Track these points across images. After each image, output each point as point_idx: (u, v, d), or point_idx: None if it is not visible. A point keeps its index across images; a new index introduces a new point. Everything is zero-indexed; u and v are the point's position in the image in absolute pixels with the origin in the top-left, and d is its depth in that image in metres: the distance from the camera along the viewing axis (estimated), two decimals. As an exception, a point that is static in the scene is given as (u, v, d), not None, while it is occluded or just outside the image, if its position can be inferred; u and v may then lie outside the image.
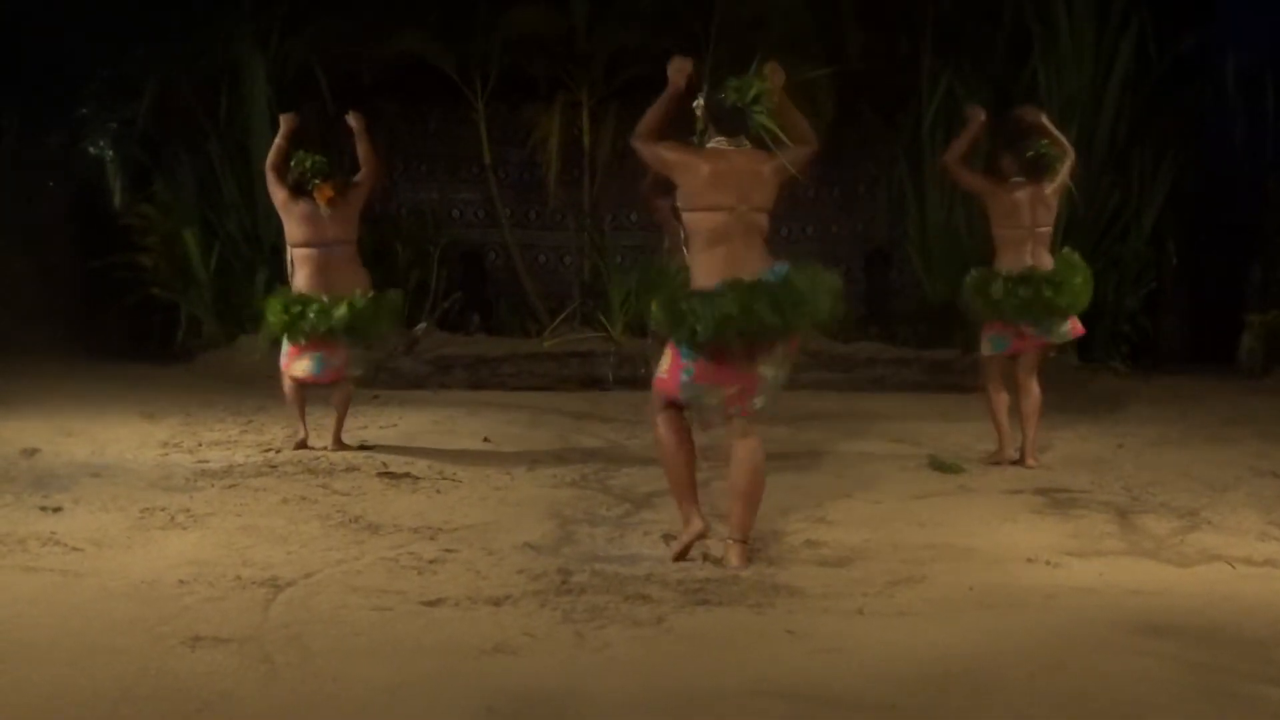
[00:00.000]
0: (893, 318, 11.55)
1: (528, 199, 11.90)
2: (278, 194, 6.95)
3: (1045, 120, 6.74)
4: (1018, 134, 6.80)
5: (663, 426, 4.72)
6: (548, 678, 3.43)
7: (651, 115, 4.68)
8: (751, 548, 4.71)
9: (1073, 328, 6.71)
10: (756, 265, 4.56)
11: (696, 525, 4.64)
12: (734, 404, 4.62)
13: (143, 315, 11.16)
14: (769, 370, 4.59)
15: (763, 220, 4.65)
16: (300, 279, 6.90)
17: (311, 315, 6.77)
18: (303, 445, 6.90)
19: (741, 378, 4.59)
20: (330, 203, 6.86)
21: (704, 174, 4.57)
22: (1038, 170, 6.60)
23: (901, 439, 7.48)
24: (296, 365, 6.93)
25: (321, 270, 6.86)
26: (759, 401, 4.62)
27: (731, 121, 4.61)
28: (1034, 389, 6.67)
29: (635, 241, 11.38)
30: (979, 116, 6.71)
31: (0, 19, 10.74)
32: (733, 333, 4.47)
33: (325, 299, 6.80)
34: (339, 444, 6.94)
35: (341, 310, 6.77)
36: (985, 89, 10.21)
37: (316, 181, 6.84)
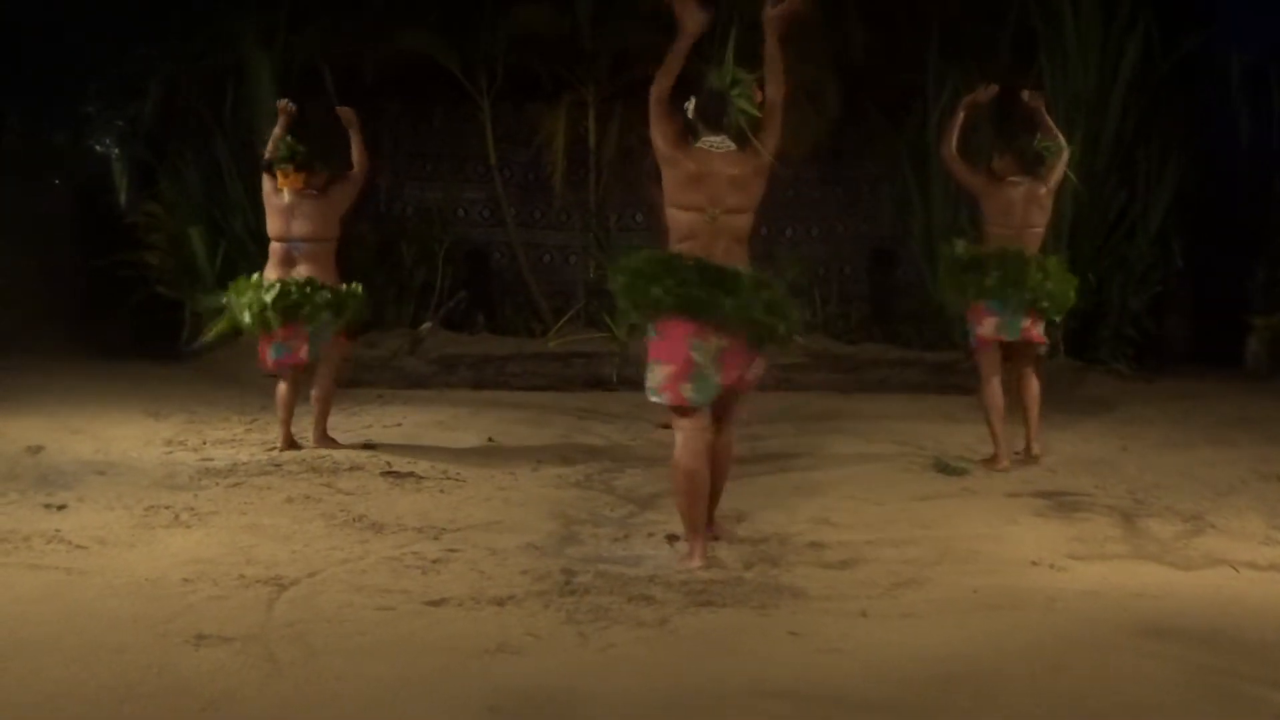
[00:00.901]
0: (896, 318, 11.53)
1: (533, 198, 11.89)
2: (266, 184, 6.97)
3: (1044, 113, 6.73)
4: (1018, 131, 6.79)
5: (683, 450, 4.64)
6: (551, 678, 3.43)
7: (667, 67, 4.62)
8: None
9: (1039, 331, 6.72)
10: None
11: (697, 563, 4.58)
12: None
13: (148, 314, 11.17)
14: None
15: (738, 222, 4.66)
16: (267, 269, 6.90)
17: (247, 296, 6.73)
18: (291, 446, 6.85)
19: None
20: (299, 193, 6.83)
21: (685, 173, 4.61)
22: (1039, 166, 6.59)
23: (905, 440, 7.46)
24: (267, 354, 6.89)
25: (283, 265, 6.83)
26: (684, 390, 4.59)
27: (716, 110, 4.65)
28: (1033, 378, 6.71)
29: (641, 242, 11.31)
30: (990, 94, 6.73)
31: (3, 17, 10.75)
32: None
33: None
34: (321, 440, 6.91)
35: (272, 293, 6.69)
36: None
37: (287, 165, 6.81)
